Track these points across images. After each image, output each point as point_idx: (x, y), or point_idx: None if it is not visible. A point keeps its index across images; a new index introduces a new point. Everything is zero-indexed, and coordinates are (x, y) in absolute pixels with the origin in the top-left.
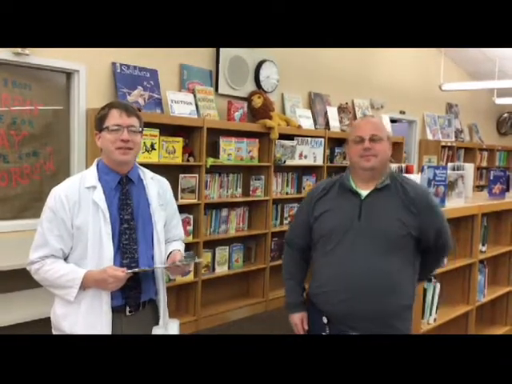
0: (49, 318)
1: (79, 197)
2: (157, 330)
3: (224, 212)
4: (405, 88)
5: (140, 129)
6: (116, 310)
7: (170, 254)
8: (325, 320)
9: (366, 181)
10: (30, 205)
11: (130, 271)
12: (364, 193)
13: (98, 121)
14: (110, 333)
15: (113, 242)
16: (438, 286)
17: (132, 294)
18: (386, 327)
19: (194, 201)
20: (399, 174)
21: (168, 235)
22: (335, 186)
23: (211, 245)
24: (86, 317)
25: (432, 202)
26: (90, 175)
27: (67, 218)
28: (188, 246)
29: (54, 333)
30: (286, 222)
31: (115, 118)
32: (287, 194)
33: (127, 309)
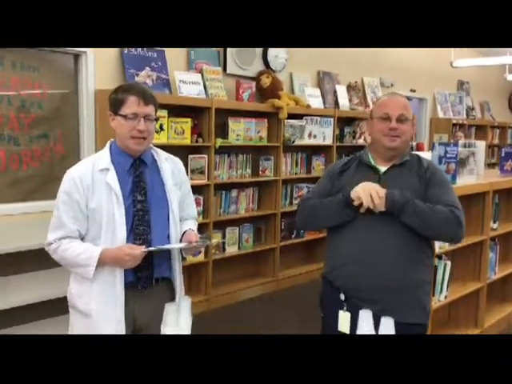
0: (61, 298)
1: (92, 179)
2: (169, 307)
3: (233, 192)
4: (415, 65)
5: (155, 116)
6: (129, 287)
7: (184, 232)
8: (342, 297)
9: (386, 159)
10: (41, 187)
11: (146, 249)
12: (382, 169)
13: (114, 103)
14: (123, 310)
15: (126, 223)
16: (449, 263)
17: (144, 272)
18: (403, 301)
19: (204, 181)
20: (416, 153)
21: (182, 214)
22: (355, 162)
23: (221, 225)
24: (99, 294)
25: (443, 177)
26: (103, 157)
27: (81, 200)
28: (198, 227)
29: (70, 311)
30: (295, 202)
31: (133, 106)
32: (296, 174)
33: (139, 286)
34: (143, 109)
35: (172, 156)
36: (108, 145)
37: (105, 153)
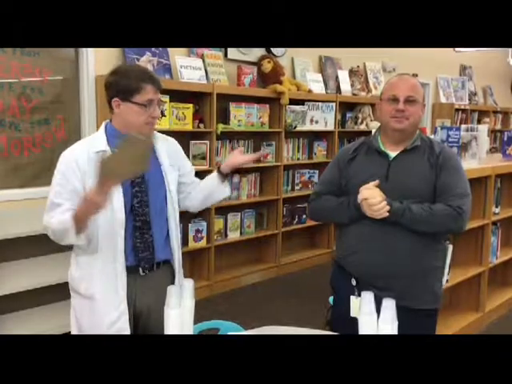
0: (63, 283)
1: (89, 162)
2: (171, 289)
3: (235, 178)
4: (417, 50)
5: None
6: (129, 270)
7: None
8: (353, 282)
9: (394, 142)
10: (42, 173)
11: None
12: (392, 154)
13: (124, 89)
14: (126, 294)
15: (124, 205)
16: (451, 247)
17: (145, 255)
18: (415, 287)
19: (205, 167)
20: (429, 137)
21: (190, 187)
22: (364, 147)
23: (223, 211)
24: (101, 278)
25: (455, 162)
26: (99, 139)
27: (78, 183)
28: (200, 213)
29: (72, 295)
30: (297, 187)
31: (149, 94)
32: (298, 159)
33: (140, 269)
34: (157, 95)
35: (167, 137)
36: (103, 126)
37: (100, 135)
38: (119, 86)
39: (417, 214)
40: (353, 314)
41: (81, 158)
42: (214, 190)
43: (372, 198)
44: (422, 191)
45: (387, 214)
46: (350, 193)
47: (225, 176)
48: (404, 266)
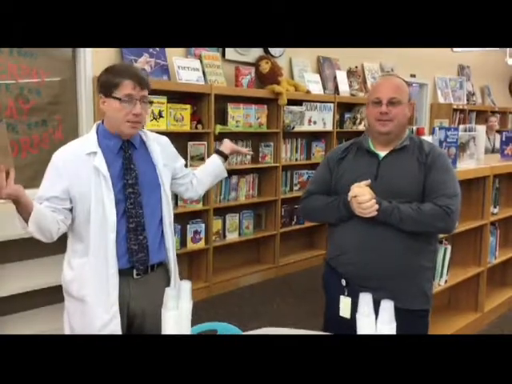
0: (58, 285)
1: (80, 164)
2: (169, 291)
3: (234, 179)
4: (415, 50)
5: (149, 99)
6: (123, 273)
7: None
8: (343, 282)
9: (382, 144)
10: (40, 174)
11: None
12: (382, 154)
13: (106, 85)
14: (117, 296)
15: (117, 206)
16: (449, 247)
17: (139, 257)
18: (405, 287)
19: None
20: (418, 136)
21: (188, 178)
22: (354, 147)
23: (221, 212)
24: (92, 281)
25: (444, 161)
26: (91, 141)
27: (69, 184)
28: (198, 214)
29: (65, 297)
30: (295, 188)
31: (127, 89)
32: (296, 160)
33: (134, 272)
34: (139, 92)
35: (159, 135)
36: (94, 127)
37: (92, 136)
38: (103, 82)
39: (405, 213)
40: (341, 313)
41: (70, 160)
42: (219, 173)
43: (362, 195)
44: (411, 191)
45: (376, 212)
46: (339, 192)
47: (226, 157)
48: (393, 266)
